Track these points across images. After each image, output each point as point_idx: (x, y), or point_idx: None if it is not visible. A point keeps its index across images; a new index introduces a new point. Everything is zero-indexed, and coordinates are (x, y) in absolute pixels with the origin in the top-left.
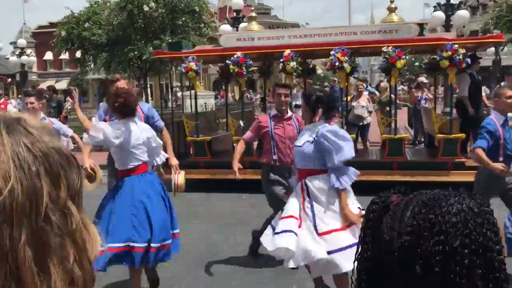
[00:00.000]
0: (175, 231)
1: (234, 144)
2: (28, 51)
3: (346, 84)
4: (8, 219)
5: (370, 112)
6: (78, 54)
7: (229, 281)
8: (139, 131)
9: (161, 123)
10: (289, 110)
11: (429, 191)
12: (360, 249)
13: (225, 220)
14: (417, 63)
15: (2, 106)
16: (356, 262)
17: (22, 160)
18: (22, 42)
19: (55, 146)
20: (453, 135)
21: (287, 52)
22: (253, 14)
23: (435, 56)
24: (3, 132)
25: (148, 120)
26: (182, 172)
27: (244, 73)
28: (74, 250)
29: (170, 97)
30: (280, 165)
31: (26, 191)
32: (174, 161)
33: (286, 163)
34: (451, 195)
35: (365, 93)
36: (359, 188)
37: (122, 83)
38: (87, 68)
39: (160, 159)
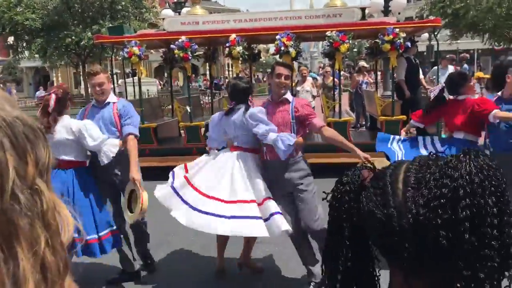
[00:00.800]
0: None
1: (181, 130)
2: None
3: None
4: None
5: (314, 97)
6: (10, 40)
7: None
8: (61, 130)
9: (127, 129)
10: (289, 94)
11: (407, 160)
12: (332, 240)
13: None
14: (355, 49)
15: None
16: (327, 255)
17: None
18: None
19: (19, 116)
20: (395, 117)
21: (233, 36)
22: None
23: (377, 40)
24: None
25: (120, 118)
26: (145, 193)
27: (190, 57)
28: (45, 233)
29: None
30: (268, 160)
31: None
32: (135, 175)
33: (272, 157)
34: (444, 158)
35: (309, 78)
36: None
37: (101, 77)
38: (19, 55)
39: (101, 161)
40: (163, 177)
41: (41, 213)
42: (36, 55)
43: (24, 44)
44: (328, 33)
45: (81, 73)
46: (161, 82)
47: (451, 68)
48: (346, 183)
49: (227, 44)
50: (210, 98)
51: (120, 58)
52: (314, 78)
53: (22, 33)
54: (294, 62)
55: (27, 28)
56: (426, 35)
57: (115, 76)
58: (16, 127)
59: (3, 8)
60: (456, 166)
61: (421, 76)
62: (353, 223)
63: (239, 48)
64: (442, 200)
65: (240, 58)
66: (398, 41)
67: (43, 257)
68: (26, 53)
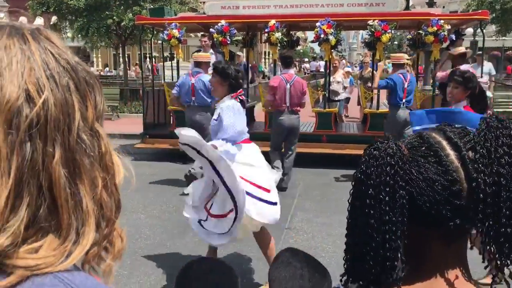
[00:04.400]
0: None
1: None
2: (1, 15)
3: (330, 57)
4: (42, 133)
5: (345, 88)
6: (53, 19)
7: None
8: None
9: None
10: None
11: (428, 129)
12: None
13: None
14: (396, 42)
15: None
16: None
17: (52, 70)
18: None
19: (79, 62)
20: None
21: (272, 22)
22: None
23: (420, 32)
24: (29, 38)
25: None
26: None
27: (228, 42)
28: (103, 174)
29: (148, 66)
30: None
31: (59, 105)
32: None
33: None
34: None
35: (340, 69)
36: (341, 162)
37: None
38: (63, 35)
39: None
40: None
41: (99, 155)
42: (78, 35)
43: (67, 24)
44: (370, 22)
45: (120, 55)
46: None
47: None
48: (386, 156)
49: (266, 30)
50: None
51: (159, 41)
52: (347, 72)
53: (66, 12)
54: (332, 51)
55: (70, 7)
56: (470, 30)
57: (153, 59)
58: (78, 72)
59: None
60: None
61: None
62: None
63: (278, 34)
64: (507, 158)
65: (279, 45)
66: (442, 33)
67: (100, 197)
68: (69, 33)
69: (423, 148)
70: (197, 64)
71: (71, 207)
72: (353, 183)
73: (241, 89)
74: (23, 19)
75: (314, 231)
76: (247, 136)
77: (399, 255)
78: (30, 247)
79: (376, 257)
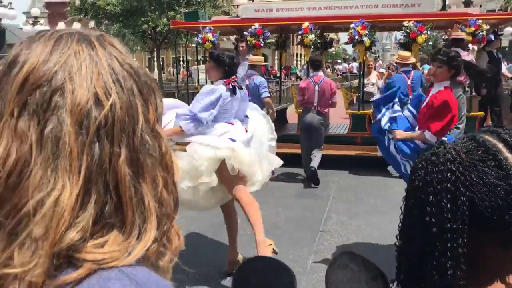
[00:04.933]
0: None
1: None
2: (41, 21)
3: (364, 59)
4: (109, 134)
5: (379, 89)
6: (91, 25)
7: None
8: None
9: None
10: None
11: (474, 134)
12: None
13: None
14: (430, 42)
15: None
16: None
17: (118, 74)
18: (35, 11)
19: (141, 67)
20: (471, 113)
21: (305, 24)
22: None
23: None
24: (96, 44)
25: None
26: None
27: (262, 45)
28: (163, 173)
29: (182, 70)
30: None
31: (125, 108)
32: None
33: None
34: None
35: (376, 70)
36: (375, 164)
37: None
38: None
39: None
40: None
41: (160, 155)
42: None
43: (104, 29)
44: (405, 23)
45: (155, 59)
46: None
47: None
48: (446, 161)
49: (299, 32)
50: (278, 86)
51: (193, 44)
52: (381, 73)
53: (102, 17)
54: (366, 52)
55: (107, 13)
56: (509, 29)
57: (187, 62)
58: (140, 76)
59: None
60: None
61: (504, 69)
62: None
63: (311, 36)
64: None
65: (312, 47)
66: (480, 33)
67: (161, 195)
68: None
69: (480, 152)
70: (252, 66)
71: (134, 204)
72: (408, 190)
73: (234, 76)
74: (61, 25)
75: (349, 233)
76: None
77: (460, 263)
78: (97, 242)
79: (437, 266)
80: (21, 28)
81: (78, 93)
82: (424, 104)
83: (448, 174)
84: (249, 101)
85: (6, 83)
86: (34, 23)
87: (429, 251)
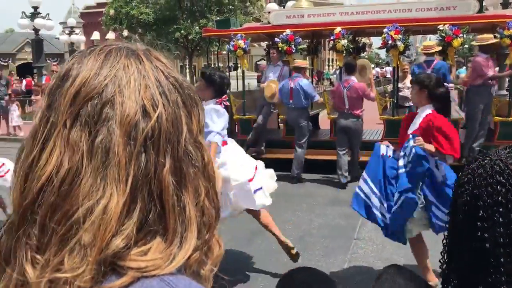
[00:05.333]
0: None
1: (280, 124)
2: (77, 30)
3: (398, 63)
4: (155, 145)
5: None
6: (125, 33)
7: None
8: None
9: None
10: None
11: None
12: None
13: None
14: (466, 46)
15: None
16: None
17: (164, 87)
18: (71, 21)
19: (184, 80)
20: (511, 118)
21: (338, 29)
22: None
23: (496, 34)
24: (144, 58)
25: None
26: None
27: (293, 51)
28: (205, 183)
29: None
30: None
31: (170, 119)
32: None
33: None
34: None
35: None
36: None
37: None
38: None
39: None
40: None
41: (203, 166)
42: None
43: (137, 37)
44: (440, 27)
45: (187, 66)
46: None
47: None
48: (495, 174)
49: (331, 38)
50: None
51: (224, 51)
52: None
53: (136, 26)
54: (400, 56)
55: (141, 22)
56: None
57: (219, 69)
58: (184, 88)
59: (121, 3)
60: None
61: None
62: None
63: (343, 42)
64: None
65: (344, 52)
66: None
67: (202, 204)
68: None
69: None
70: (297, 69)
71: (177, 213)
72: (455, 205)
73: (225, 95)
74: (96, 34)
75: (384, 241)
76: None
77: None
78: (140, 250)
79: (492, 282)
80: (58, 38)
81: (127, 105)
82: (416, 128)
83: (498, 187)
84: (292, 103)
85: (60, 96)
86: (70, 33)
87: (481, 267)
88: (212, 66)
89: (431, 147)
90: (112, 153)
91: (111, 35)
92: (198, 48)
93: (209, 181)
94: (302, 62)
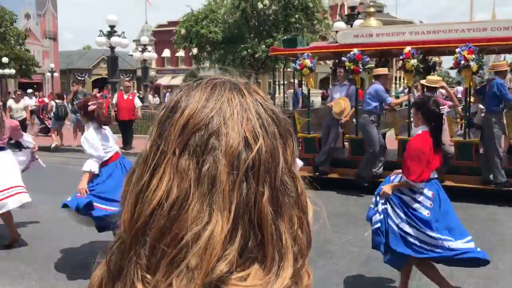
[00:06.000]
0: None
1: (345, 142)
2: (149, 48)
3: (470, 83)
4: (255, 174)
5: None
6: (194, 51)
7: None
8: None
9: None
10: None
11: None
12: None
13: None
14: None
15: (131, 97)
16: None
17: (263, 119)
18: (145, 39)
19: (280, 112)
20: None
21: (407, 49)
22: (371, 10)
23: None
24: (245, 92)
25: None
26: None
27: (360, 70)
28: (299, 213)
29: (279, 93)
30: None
31: (269, 150)
32: None
33: None
34: None
35: None
36: (483, 195)
37: None
38: (203, 65)
39: None
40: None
41: (297, 196)
42: (214, 65)
43: (206, 55)
44: None
45: (253, 83)
46: (324, 93)
47: None
48: None
49: (400, 57)
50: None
51: (288, 69)
52: None
53: (205, 45)
54: (474, 76)
55: (210, 40)
56: None
57: (282, 86)
58: (281, 121)
59: (191, 22)
60: None
61: None
62: None
63: (413, 61)
64: None
65: (414, 71)
66: None
67: (296, 233)
68: (207, 63)
69: None
70: (376, 77)
71: (275, 241)
72: None
73: None
74: (167, 51)
75: (457, 270)
76: None
77: None
78: (240, 275)
79: None
80: (132, 55)
81: (231, 136)
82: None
83: None
84: (361, 107)
85: (169, 126)
86: (143, 50)
87: None
88: (277, 83)
89: (394, 184)
90: (217, 181)
91: (180, 53)
92: (263, 66)
93: (302, 211)
94: (380, 69)
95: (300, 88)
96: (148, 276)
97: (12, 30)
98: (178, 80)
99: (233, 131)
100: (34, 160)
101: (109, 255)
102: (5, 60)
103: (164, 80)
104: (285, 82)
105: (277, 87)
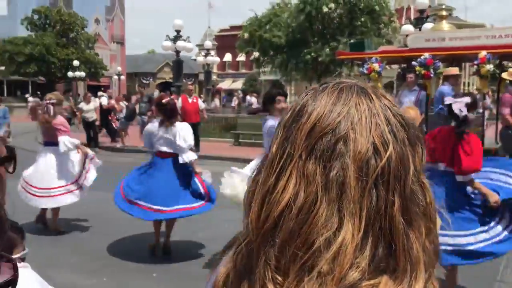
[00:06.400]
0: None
1: None
2: (212, 52)
3: None
4: (385, 182)
5: None
6: (256, 55)
7: None
8: None
9: None
10: None
11: None
12: None
13: None
14: None
15: (195, 100)
16: None
17: (392, 125)
18: (208, 44)
19: (409, 117)
20: None
21: (483, 53)
22: (444, 13)
23: None
24: (373, 96)
25: None
26: None
27: (431, 75)
28: (427, 223)
29: None
30: None
31: (398, 158)
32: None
33: None
34: None
35: None
36: None
37: None
38: (264, 69)
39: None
40: None
41: (426, 205)
42: (277, 70)
43: (267, 59)
44: None
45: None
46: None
47: None
48: None
49: (475, 62)
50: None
51: (351, 73)
52: None
53: (268, 49)
54: None
55: (273, 44)
56: None
57: None
58: (410, 127)
59: (255, 26)
60: None
61: None
62: None
63: (489, 66)
64: None
65: (489, 77)
66: None
67: (423, 244)
68: (269, 67)
69: None
70: (445, 78)
71: (406, 251)
72: None
73: None
74: (228, 56)
75: None
76: None
77: None
78: (370, 283)
79: None
80: (195, 60)
81: (359, 142)
82: None
83: None
84: (431, 112)
85: (295, 129)
86: (206, 55)
87: None
88: None
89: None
90: (346, 187)
91: (241, 58)
92: (327, 70)
93: (431, 221)
94: (451, 69)
95: None
96: (279, 278)
97: (83, 34)
98: (238, 84)
99: (361, 137)
100: (91, 159)
101: (236, 253)
102: (76, 63)
103: (225, 84)
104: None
105: None
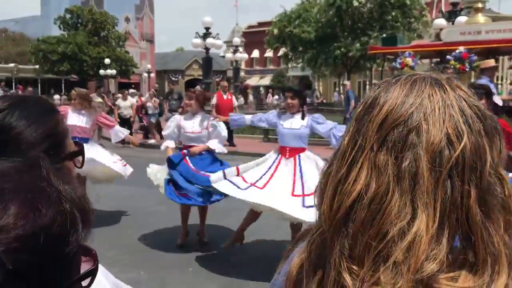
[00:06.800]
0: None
1: None
2: (240, 49)
3: None
4: (459, 173)
5: None
6: (282, 51)
7: None
8: None
9: None
10: None
11: None
12: None
13: None
14: None
15: (229, 97)
16: None
17: (468, 116)
18: (236, 40)
19: (486, 109)
20: None
21: None
22: (479, 5)
23: None
24: (447, 87)
25: None
26: None
27: (467, 69)
28: (504, 216)
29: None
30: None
31: (474, 149)
32: None
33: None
34: None
35: None
36: None
37: None
38: (293, 65)
39: None
40: None
41: (503, 198)
42: (306, 65)
43: (296, 55)
44: None
45: (341, 83)
46: None
47: None
48: None
49: None
50: None
51: (379, 68)
52: None
53: (297, 44)
54: None
55: (302, 40)
56: None
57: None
58: (487, 117)
59: (284, 22)
60: None
61: None
62: None
63: None
64: None
65: None
66: None
67: (503, 237)
68: (298, 62)
69: None
70: (481, 71)
71: (486, 244)
72: None
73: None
74: (255, 52)
75: None
76: None
77: None
78: (449, 275)
79: None
80: (223, 56)
81: (432, 133)
82: None
83: None
84: None
85: (367, 121)
86: (234, 52)
87: None
88: (367, 83)
89: None
90: (419, 178)
91: (269, 54)
92: (357, 65)
93: (510, 214)
94: (488, 61)
95: None
96: (355, 267)
97: (114, 33)
98: (266, 80)
99: (434, 128)
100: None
101: (309, 243)
102: (107, 61)
103: (252, 81)
104: (375, 81)
105: (367, 87)
